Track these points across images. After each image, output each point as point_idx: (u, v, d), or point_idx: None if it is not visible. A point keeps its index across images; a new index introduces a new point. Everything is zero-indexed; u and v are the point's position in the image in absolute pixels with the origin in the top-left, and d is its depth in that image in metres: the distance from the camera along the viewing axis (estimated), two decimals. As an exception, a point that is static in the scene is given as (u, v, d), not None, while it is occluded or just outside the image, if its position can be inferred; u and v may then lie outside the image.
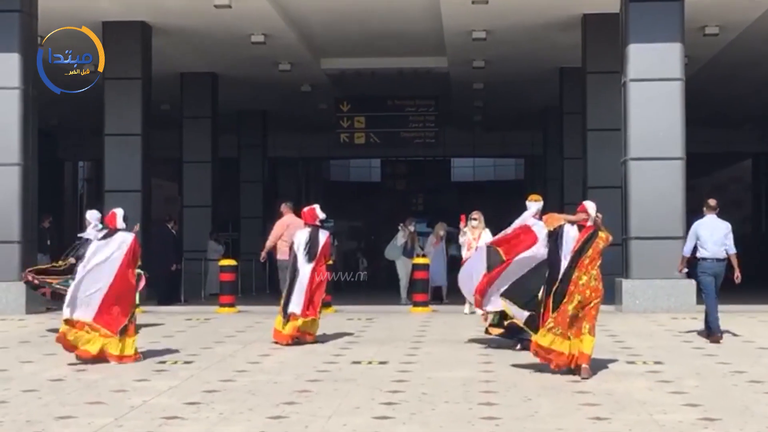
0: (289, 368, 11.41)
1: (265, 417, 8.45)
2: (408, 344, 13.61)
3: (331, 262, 17.36)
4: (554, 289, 10.98)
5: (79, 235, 15.41)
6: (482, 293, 12.69)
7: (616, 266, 19.29)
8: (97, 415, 8.51)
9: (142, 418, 8.40)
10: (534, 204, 12.86)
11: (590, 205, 11.28)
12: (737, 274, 14.59)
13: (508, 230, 12.82)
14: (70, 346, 11.95)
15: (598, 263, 11.02)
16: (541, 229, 12.05)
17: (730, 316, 17.39)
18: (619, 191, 19.40)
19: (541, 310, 11.11)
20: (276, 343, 13.62)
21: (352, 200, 47.18)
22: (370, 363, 11.84)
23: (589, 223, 11.15)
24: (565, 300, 10.87)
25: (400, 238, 22.56)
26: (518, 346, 12.87)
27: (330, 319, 16.21)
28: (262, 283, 29.24)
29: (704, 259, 14.57)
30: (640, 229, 18.49)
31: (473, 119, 36.79)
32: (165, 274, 22.36)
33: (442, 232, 23.34)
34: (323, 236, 14.18)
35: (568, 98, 26.28)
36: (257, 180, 34.90)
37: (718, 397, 9.41)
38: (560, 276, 10.98)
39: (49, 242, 22.75)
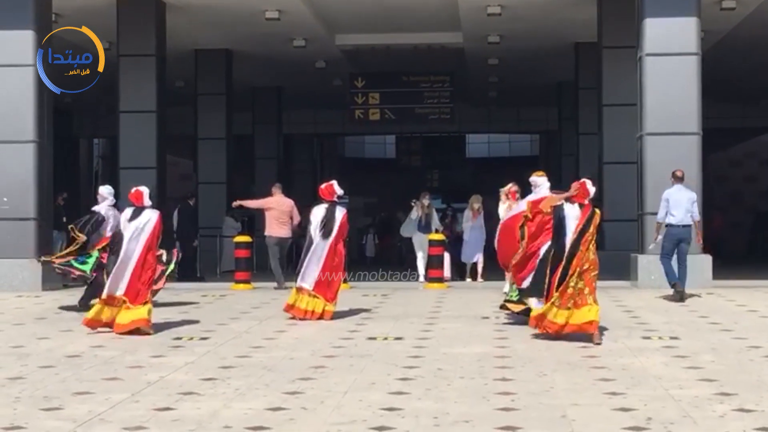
0: (305, 344, 11.43)
1: (281, 392, 8.47)
2: (423, 320, 13.62)
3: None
4: (561, 266, 11.42)
5: (92, 209, 15.41)
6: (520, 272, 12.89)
7: (632, 242, 19.28)
8: (114, 391, 8.55)
9: (158, 394, 8.43)
10: (544, 180, 13.15)
11: (590, 183, 11.82)
12: (699, 239, 16.36)
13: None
14: (98, 323, 12.42)
15: (595, 238, 11.63)
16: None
17: (747, 291, 17.42)
18: (634, 167, 19.37)
19: (551, 284, 11.55)
20: (292, 318, 13.67)
21: (367, 177, 47.15)
22: (385, 339, 11.85)
23: (586, 201, 11.69)
24: (568, 276, 11.37)
25: (414, 214, 21.91)
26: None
27: (345, 296, 16.22)
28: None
29: (671, 225, 15.97)
30: (656, 205, 18.37)
31: (488, 95, 36.71)
32: (189, 251, 22.58)
33: (477, 205, 22.02)
34: (340, 213, 14.12)
35: (584, 73, 26.22)
36: (272, 157, 34.91)
37: (734, 372, 9.39)
38: (566, 254, 11.43)
39: (64, 219, 22.78)
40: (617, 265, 20.15)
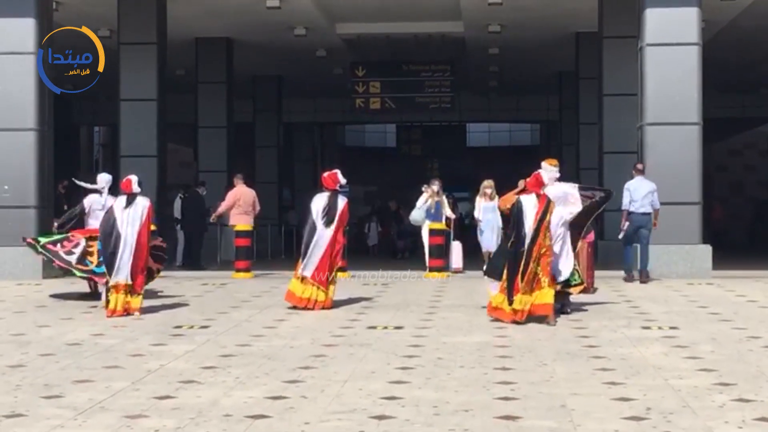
0: (305, 333, 11.45)
1: (281, 381, 8.49)
2: (423, 309, 13.65)
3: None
4: (524, 254, 12.16)
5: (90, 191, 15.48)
6: None
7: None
8: (114, 379, 8.56)
9: (158, 382, 8.45)
10: (553, 169, 13.16)
11: (544, 174, 12.71)
12: (655, 222, 17.54)
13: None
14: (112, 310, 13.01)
15: (550, 225, 12.49)
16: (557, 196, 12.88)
17: (747, 281, 17.43)
18: (635, 156, 19.36)
19: (514, 277, 12.20)
20: (292, 307, 13.68)
21: (367, 165, 47.13)
22: (385, 328, 11.87)
23: (543, 191, 12.52)
24: (531, 260, 12.16)
25: (422, 201, 20.61)
26: None
27: (345, 285, 16.24)
28: (278, 248, 29.29)
29: (633, 212, 17.47)
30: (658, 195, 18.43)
31: (488, 84, 36.69)
32: (196, 240, 22.58)
33: (489, 190, 20.09)
34: (342, 202, 14.12)
35: (584, 63, 26.20)
36: (272, 145, 34.93)
37: (733, 362, 9.41)
38: (527, 241, 12.19)
39: (65, 207, 22.78)
40: (617, 254, 20.15)
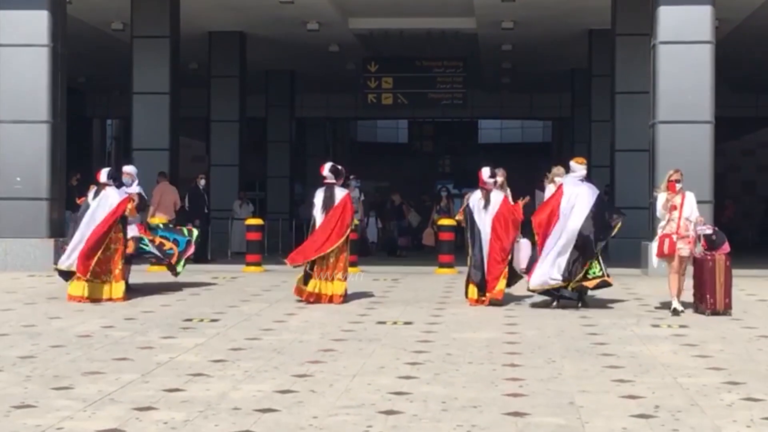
0: (315, 327, 11.47)
1: (290, 375, 8.50)
2: (433, 305, 13.66)
3: (356, 221, 17.39)
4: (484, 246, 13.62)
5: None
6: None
7: (643, 230, 19.26)
8: (124, 371, 8.59)
9: (168, 375, 8.47)
10: (580, 167, 13.82)
11: (485, 171, 14.14)
12: None
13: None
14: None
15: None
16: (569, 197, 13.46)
17: (758, 280, 17.40)
18: (646, 154, 19.35)
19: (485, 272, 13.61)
20: (301, 301, 13.72)
21: (379, 161, 47.15)
22: (395, 323, 11.88)
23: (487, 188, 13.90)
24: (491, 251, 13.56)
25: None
26: (554, 303, 13.32)
27: (355, 280, 16.24)
28: (289, 242, 29.32)
29: None
30: (668, 193, 18.39)
31: (501, 81, 36.64)
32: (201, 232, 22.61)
33: (559, 179, 15.39)
34: (340, 193, 14.12)
35: (597, 60, 26.15)
36: (284, 140, 34.97)
37: (742, 361, 9.40)
38: (483, 236, 13.62)
39: (77, 200, 22.83)
40: (628, 253, 20.15)
